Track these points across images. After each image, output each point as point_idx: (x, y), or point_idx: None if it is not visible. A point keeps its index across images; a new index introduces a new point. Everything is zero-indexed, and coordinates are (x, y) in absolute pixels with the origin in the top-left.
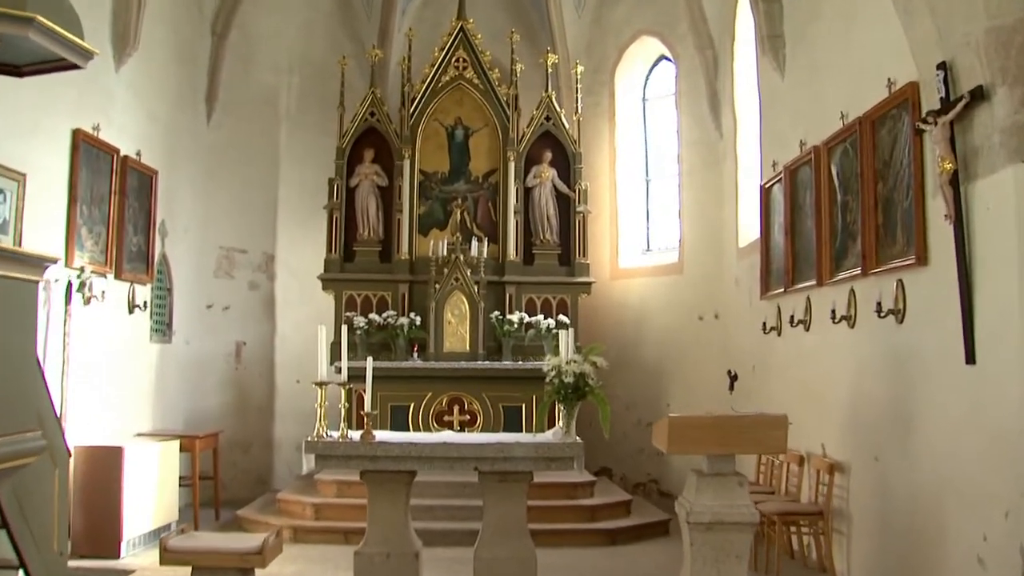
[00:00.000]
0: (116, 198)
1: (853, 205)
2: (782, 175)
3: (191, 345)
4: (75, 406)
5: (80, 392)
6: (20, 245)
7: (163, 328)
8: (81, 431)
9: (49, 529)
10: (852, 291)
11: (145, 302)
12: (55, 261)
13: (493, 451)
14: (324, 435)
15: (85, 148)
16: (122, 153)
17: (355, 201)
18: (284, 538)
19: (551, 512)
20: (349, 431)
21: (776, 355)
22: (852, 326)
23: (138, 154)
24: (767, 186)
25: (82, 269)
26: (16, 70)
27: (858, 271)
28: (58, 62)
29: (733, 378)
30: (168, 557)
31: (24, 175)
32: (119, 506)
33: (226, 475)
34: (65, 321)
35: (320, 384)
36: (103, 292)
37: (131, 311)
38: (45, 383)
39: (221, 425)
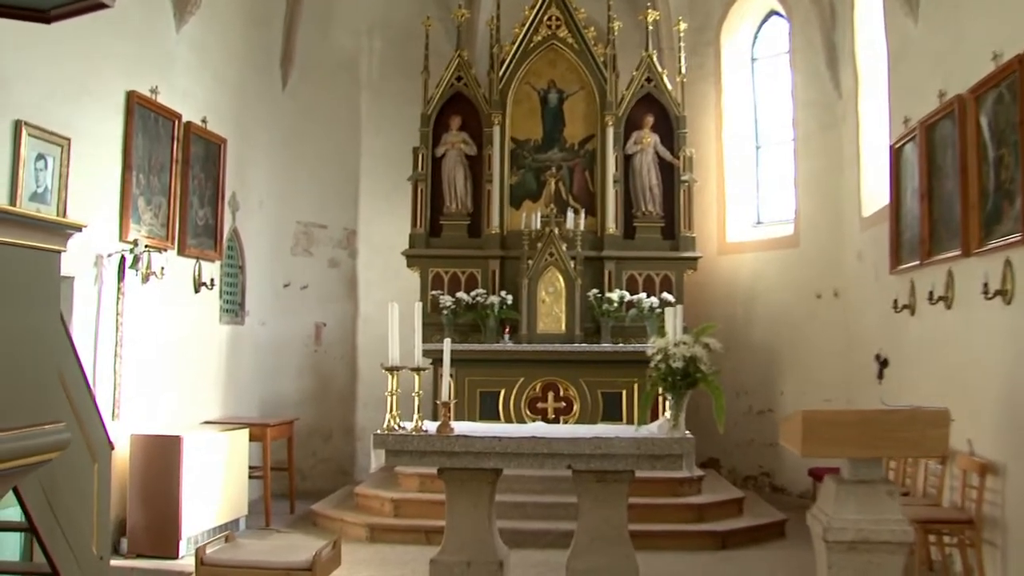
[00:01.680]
0: (178, 167)
1: (1010, 160)
2: (916, 132)
3: (267, 327)
4: (132, 392)
5: (139, 377)
6: (64, 215)
7: (235, 308)
8: (140, 419)
9: (87, 530)
10: (1008, 262)
11: (212, 280)
12: (79, 228)
13: (589, 447)
14: (396, 427)
15: (141, 112)
16: (184, 119)
17: (442, 172)
18: (360, 537)
19: (653, 511)
20: (425, 422)
21: (909, 337)
22: (1009, 302)
23: (203, 120)
24: (898, 146)
25: (135, 243)
26: (43, 15)
27: (1017, 237)
28: (84, 2)
29: (882, 363)
30: (204, 571)
31: (68, 139)
32: (177, 501)
33: (305, 465)
34: (118, 300)
35: (391, 369)
36: (162, 268)
37: (197, 290)
38: (80, 368)
39: (299, 412)
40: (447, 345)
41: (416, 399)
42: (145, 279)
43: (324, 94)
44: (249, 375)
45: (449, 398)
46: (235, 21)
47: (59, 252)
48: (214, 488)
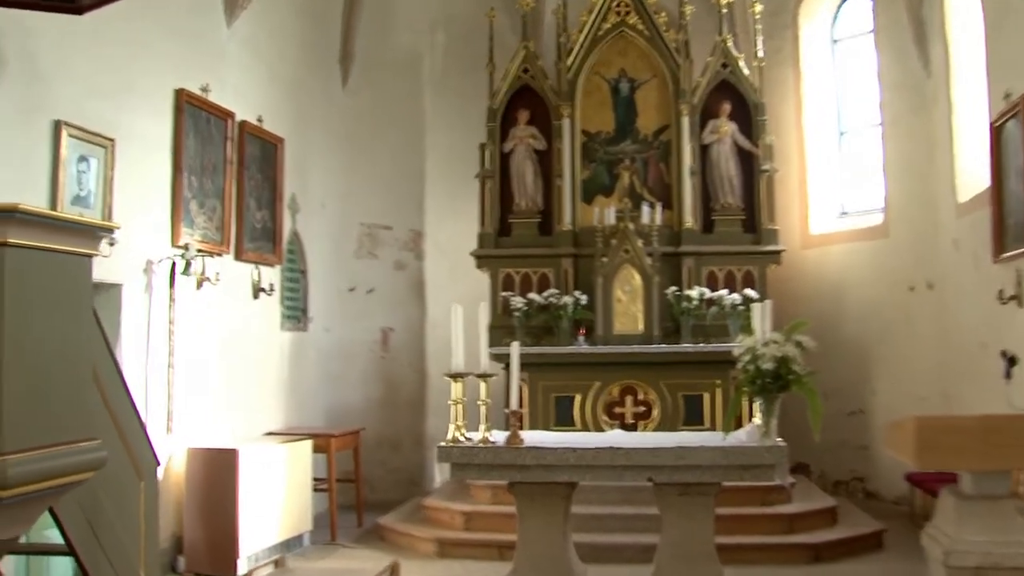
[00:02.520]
0: (232, 168)
1: None
2: (1019, 107)
3: (331, 333)
4: (187, 404)
5: (194, 388)
6: (109, 220)
7: (297, 314)
8: (197, 432)
9: (133, 553)
10: None
11: (271, 285)
12: (111, 230)
13: (671, 457)
14: (461, 439)
15: (191, 111)
16: (238, 118)
17: (510, 168)
18: (428, 553)
19: (740, 522)
20: (493, 433)
21: (1018, 330)
22: None
23: (259, 119)
24: (998, 123)
25: (186, 247)
26: (75, 6)
27: None
28: None
29: (1010, 361)
30: None
31: (112, 140)
32: (235, 517)
33: (373, 476)
34: (169, 307)
35: (454, 376)
36: (216, 274)
37: (256, 295)
38: (122, 380)
39: (367, 421)
40: (515, 349)
41: (482, 408)
42: (199, 285)
43: (386, 91)
44: (314, 383)
45: (519, 406)
46: (290, 18)
47: (90, 256)
48: (275, 503)
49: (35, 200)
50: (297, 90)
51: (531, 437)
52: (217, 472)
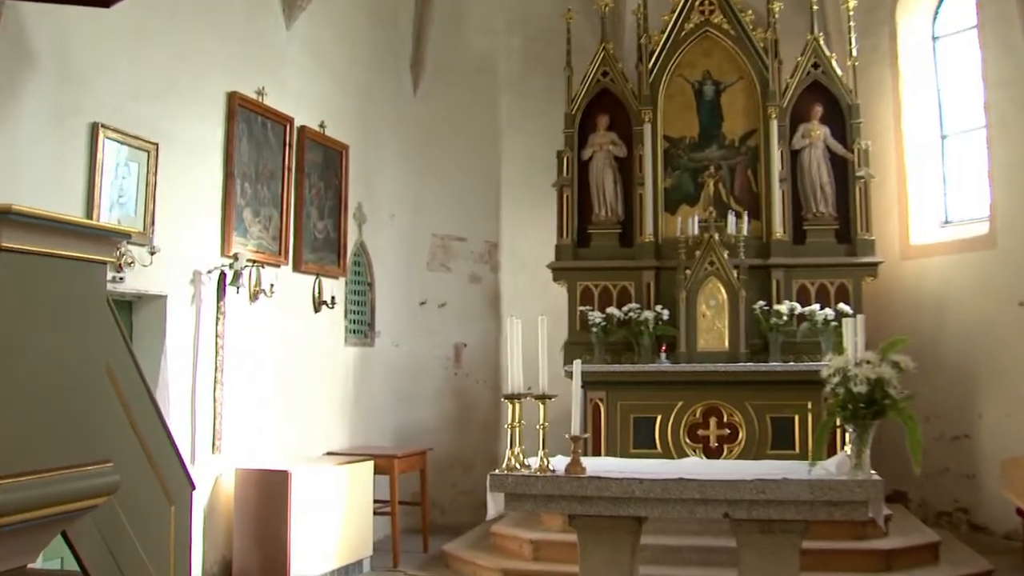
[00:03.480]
0: (291, 175)
1: None
2: None
3: (401, 348)
4: (239, 422)
5: (247, 405)
6: (152, 228)
7: (363, 329)
8: (249, 451)
9: None
10: None
11: (333, 298)
12: (128, 236)
13: (751, 491)
14: (517, 467)
15: (244, 115)
16: (298, 123)
17: (589, 176)
18: None
19: (829, 558)
20: (555, 459)
21: None
22: None
23: (321, 125)
24: None
25: (235, 257)
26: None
27: None
28: None
29: None
30: None
31: (156, 145)
32: (286, 541)
33: (444, 498)
34: (217, 321)
35: (511, 398)
36: (272, 286)
37: (317, 309)
38: (151, 399)
39: (438, 440)
40: (578, 367)
41: (541, 432)
42: (253, 297)
43: (459, 97)
44: (381, 401)
45: (582, 430)
46: (355, 20)
47: (104, 263)
48: (332, 527)
49: (70, 207)
50: (363, 95)
51: (596, 465)
52: (268, 494)
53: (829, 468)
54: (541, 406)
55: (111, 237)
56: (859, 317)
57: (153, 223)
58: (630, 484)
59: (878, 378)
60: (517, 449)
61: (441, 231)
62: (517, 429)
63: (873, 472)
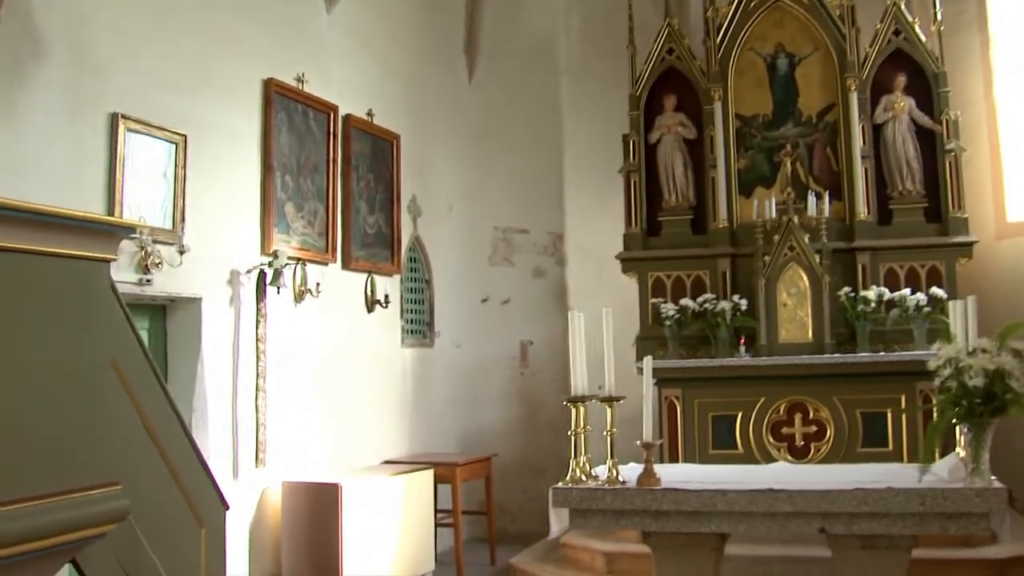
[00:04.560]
0: (337, 167)
1: None
2: None
3: (463, 348)
4: (286, 431)
5: (293, 413)
6: (183, 226)
7: (421, 328)
8: (296, 462)
9: None
10: None
11: (387, 296)
12: (132, 229)
13: (851, 502)
14: (583, 478)
15: (283, 103)
16: (342, 111)
17: (657, 161)
18: None
19: (935, 569)
20: (626, 468)
21: None
22: None
23: (369, 114)
24: None
25: (275, 254)
26: None
27: None
28: None
29: None
30: None
31: (184, 136)
32: (337, 558)
33: (513, 505)
34: (258, 323)
35: (574, 401)
36: (318, 284)
37: (370, 308)
38: (176, 413)
39: (506, 444)
40: (648, 364)
41: (608, 438)
42: (299, 297)
43: (518, 83)
44: (443, 405)
45: (654, 436)
46: (402, 4)
47: (107, 260)
48: (387, 541)
49: (91, 203)
50: (414, 82)
51: (672, 474)
52: (317, 508)
53: (941, 474)
54: (608, 409)
55: (116, 232)
56: (970, 298)
57: (183, 220)
58: (711, 497)
59: (997, 369)
60: (583, 458)
61: (502, 223)
62: (582, 435)
63: (994, 478)
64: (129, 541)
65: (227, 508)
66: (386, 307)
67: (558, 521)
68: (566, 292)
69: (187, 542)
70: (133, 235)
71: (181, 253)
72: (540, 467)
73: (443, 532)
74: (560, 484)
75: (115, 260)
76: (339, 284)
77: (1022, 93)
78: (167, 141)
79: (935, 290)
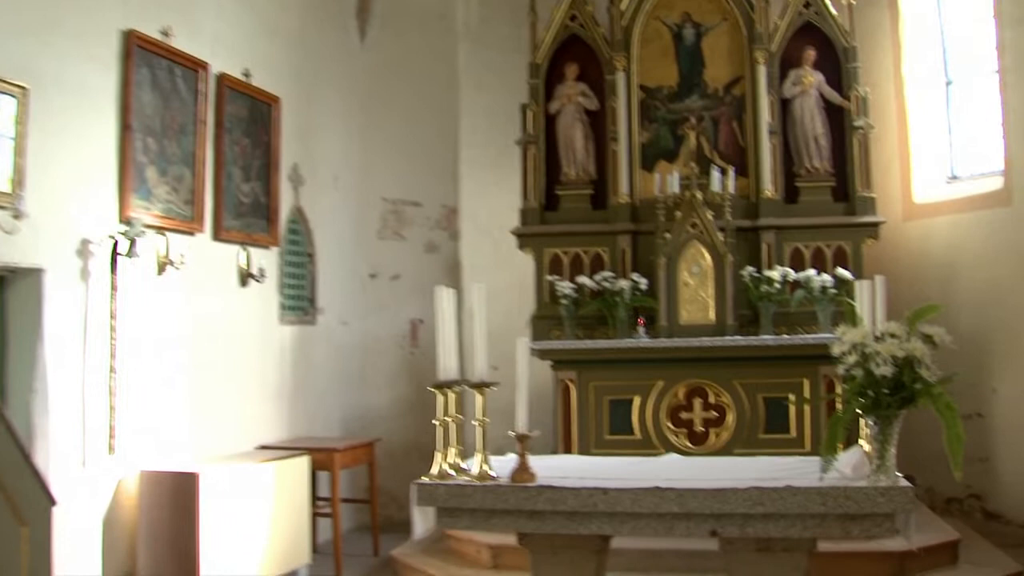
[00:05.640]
0: (207, 129)
1: None
2: None
3: (349, 326)
4: (142, 416)
5: (153, 396)
6: (20, 188)
7: (303, 305)
8: (158, 450)
9: None
10: None
11: (261, 269)
12: None
13: (745, 503)
14: (452, 473)
15: (145, 58)
16: (215, 70)
17: (557, 132)
18: None
19: (832, 563)
20: (490, 464)
21: None
22: None
23: (246, 74)
24: None
25: (129, 223)
26: None
27: None
28: None
29: None
30: None
31: (25, 89)
32: (195, 553)
33: (401, 491)
34: (111, 298)
35: (441, 387)
36: (182, 256)
37: (243, 283)
38: None
39: (395, 427)
40: (522, 346)
41: (479, 429)
42: (160, 270)
43: (413, 47)
44: (326, 386)
45: (527, 428)
46: None
47: None
48: (256, 534)
49: None
50: (299, 42)
51: (552, 466)
52: (175, 500)
53: (843, 470)
54: (479, 396)
55: None
56: (878, 278)
57: (22, 182)
58: (591, 496)
59: (907, 356)
60: (452, 451)
61: (393, 195)
62: (451, 425)
63: (899, 476)
64: None
65: (54, 504)
66: (261, 281)
67: (423, 520)
68: (460, 268)
69: (6, 543)
70: None
71: (16, 218)
72: (430, 451)
73: (326, 522)
74: (425, 479)
75: None
76: (209, 256)
77: (930, 72)
78: (5, 94)
79: (841, 271)
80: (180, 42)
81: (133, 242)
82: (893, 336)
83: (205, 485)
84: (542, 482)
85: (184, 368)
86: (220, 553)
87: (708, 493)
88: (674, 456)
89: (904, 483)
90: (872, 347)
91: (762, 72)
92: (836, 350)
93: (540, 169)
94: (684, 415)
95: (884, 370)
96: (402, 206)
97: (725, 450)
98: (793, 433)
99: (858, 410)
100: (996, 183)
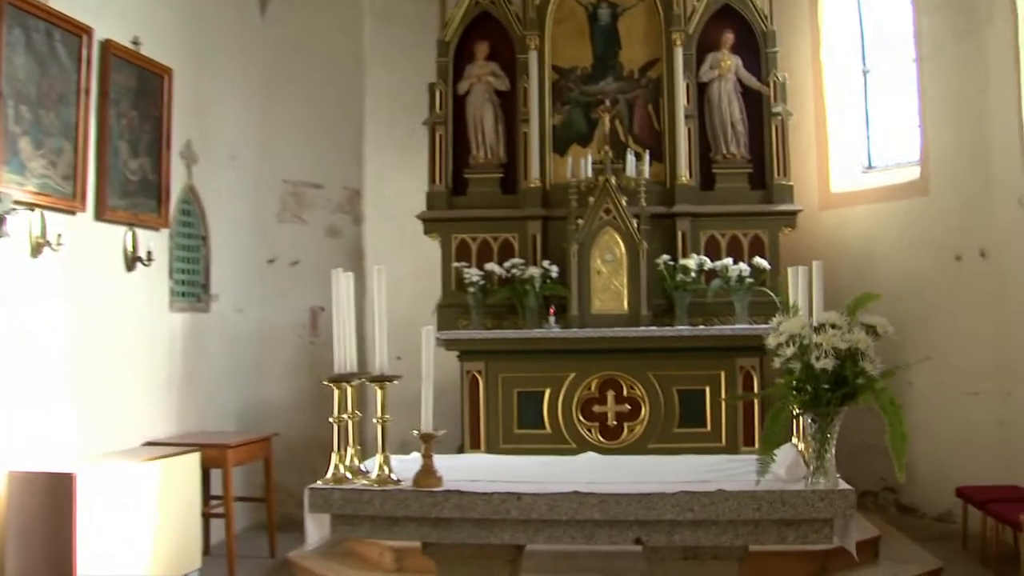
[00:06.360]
0: (90, 100)
1: None
2: None
3: (245, 314)
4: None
5: (24, 389)
6: None
7: (195, 291)
8: (31, 448)
9: None
10: None
11: (149, 253)
12: None
13: (673, 509)
14: (349, 476)
15: (18, 18)
16: (99, 35)
17: (466, 113)
18: None
19: (756, 562)
20: (392, 465)
21: None
22: None
23: (135, 42)
24: None
25: None
26: None
27: None
28: None
29: None
30: None
31: None
32: (70, 559)
33: (301, 487)
34: None
35: (338, 381)
36: (59, 237)
37: (130, 267)
38: None
39: (293, 420)
40: (427, 335)
41: (379, 428)
42: (35, 251)
43: (316, 22)
44: (220, 377)
45: (431, 426)
46: None
47: None
48: (141, 537)
49: None
50: (194, 12)
51: (460, 467)
52: (50, 502)
53: (777, 471)
54: (379, 391)
55: None
56: (817, 264)
57: None
58: (504, 502)
59: (850, 348)
60: (349, 451)
61: (293, 176)
62: (347, 423)
63: (839, 479)
64: None
65: None
66: (149, 265)
67: (318, 528)
68: (364, 254)
69: None
70: None
71: None
72: (331, 446)
73: (219, 523)
74: (319, 483)
75: None
76: (91, 237)
77: (847, 59)
78: None
79: (758, 260)
80: (60, 3)
81: (2, 219)
82: (834, 327)
83: (83, 486)
84: (449, 486)
85: (63, 359)
86: (100, 560)
87: (633, 498)
88: (592, 455)
89: (844, 486)
90: (812, 338)
91: (679, 55)
92: (772, 341)
93: (448, 151)
94: (597, 408)
95: (825, 363)
96: (303, 188)
97: (639, 444)
98: (708, 427)
99: (795, 407)
100: (913, 173)
